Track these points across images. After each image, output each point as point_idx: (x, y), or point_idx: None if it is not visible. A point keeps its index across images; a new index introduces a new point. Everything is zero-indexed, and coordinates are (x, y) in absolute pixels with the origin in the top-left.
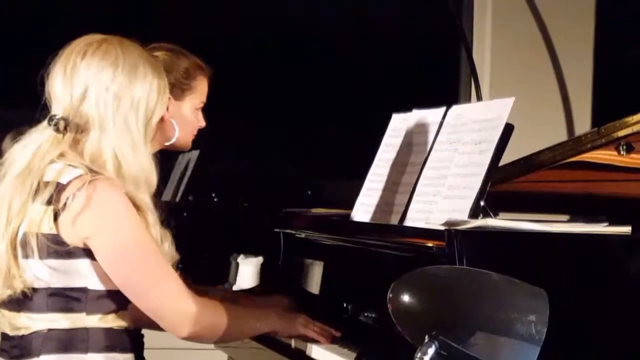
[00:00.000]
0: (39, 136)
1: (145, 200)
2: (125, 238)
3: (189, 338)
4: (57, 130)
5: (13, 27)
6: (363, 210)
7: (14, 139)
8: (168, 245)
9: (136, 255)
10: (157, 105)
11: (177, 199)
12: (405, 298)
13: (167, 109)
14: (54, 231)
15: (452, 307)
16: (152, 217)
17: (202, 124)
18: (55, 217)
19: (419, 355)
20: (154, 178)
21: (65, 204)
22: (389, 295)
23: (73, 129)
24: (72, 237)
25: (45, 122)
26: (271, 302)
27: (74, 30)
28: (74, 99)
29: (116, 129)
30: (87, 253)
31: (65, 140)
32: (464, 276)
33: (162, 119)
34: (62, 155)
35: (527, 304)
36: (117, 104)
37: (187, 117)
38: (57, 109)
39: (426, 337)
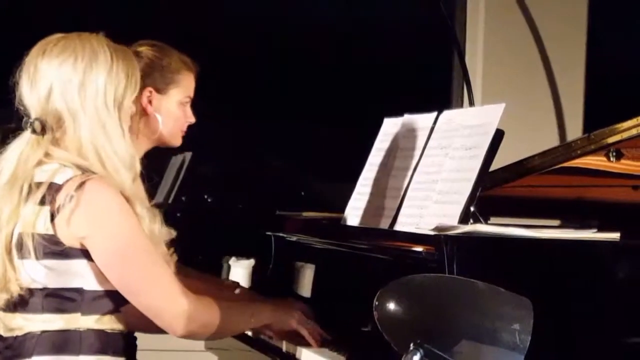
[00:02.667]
0: (20, 142)
1: (131, 187)
2: (121, 237)
3: (184, 336)
4: (35, 132)
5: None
6: (354, 214)
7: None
8: (159, 227)
9: (132, 254)
10: (127, 89)
11: (170, 200)
12: (391, 306)
13: (151, 102)
14: (50, 231)
15: (437, 315)
16: (140, 207)
17: (192, 120)
18: (52, 217)
19: None
20: (134, 162)
21: (61, 205)
22: (375, 303)
23: (50, 128)
24: (68, 238)
25: (24, 130)
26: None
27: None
28: (41, 98)
29: (87, 118)
30: (84, 253)
31: (45, 140)
32: (449, 285)
33: (145, 113)
34: (47, 154)
35: (512, 313)
36: (83, 93)
37: (172, 111)
38: (30, 112)
39: (411, 344)
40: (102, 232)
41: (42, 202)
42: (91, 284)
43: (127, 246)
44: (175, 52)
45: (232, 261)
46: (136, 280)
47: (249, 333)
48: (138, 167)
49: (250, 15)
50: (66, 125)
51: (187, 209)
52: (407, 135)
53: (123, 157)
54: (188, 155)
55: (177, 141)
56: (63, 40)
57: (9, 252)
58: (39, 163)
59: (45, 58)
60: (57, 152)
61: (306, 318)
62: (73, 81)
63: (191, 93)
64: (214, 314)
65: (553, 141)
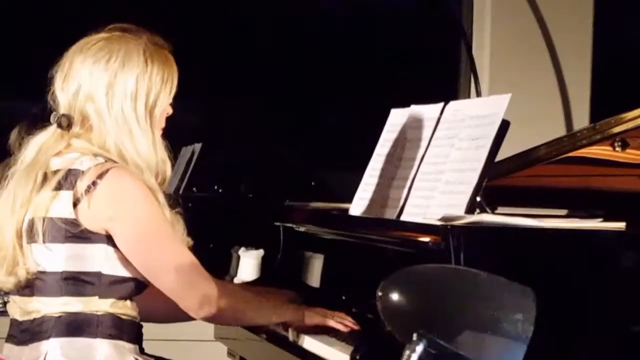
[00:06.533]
0: (44, 133)
1: (152, 182)
2: (144, 222)
3: (206, 318)
4: (61, 127)
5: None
6: (361, 204)
7: (19, 133)
8: (181, 230)
9: (155, 237)
10: (160, 93)
11: (181, 191)
12: (394, 296)
13: None
14: (72, 216)
15: (440, 305)
16: (162, 197)
17: (168, 111)
18: (74, 203)
19: (407, 352)
20: (164, 167)
21: (84, 191)
22: (378, 293)
23: (76, 124)
24: (90, 222)
25: (51, 123)
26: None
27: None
28: (70, 95)
29: (112, 118)
30: (104, 238)
31: (69, 135)
32: (452, 275)
33: None
34: (69, 145)
35: (514, 302)
36: (111, 93)
37: None
38: (60, 107)
39: (415, 335)
40: (125, 217)
41: (59, 188)
42: (109, 268)
43: (150, 230)
44: (148, 33)
45: (242, 251)
46: (160, 263)
47: None
48: (169, 172)
49: (258, 7)
50: (92, 124)
51: (197, 199)
52: (414, 126)
53: (147, 159)
54: (198, 146)
55: None
56: (103, 41)
57: (19, 237)
58: (58, 153)
59: (81, 56)
60: (78, 142)
61: (331, 312)
62: (102, 81)
63: None
64: (238, 300)
65: (560, 131)
